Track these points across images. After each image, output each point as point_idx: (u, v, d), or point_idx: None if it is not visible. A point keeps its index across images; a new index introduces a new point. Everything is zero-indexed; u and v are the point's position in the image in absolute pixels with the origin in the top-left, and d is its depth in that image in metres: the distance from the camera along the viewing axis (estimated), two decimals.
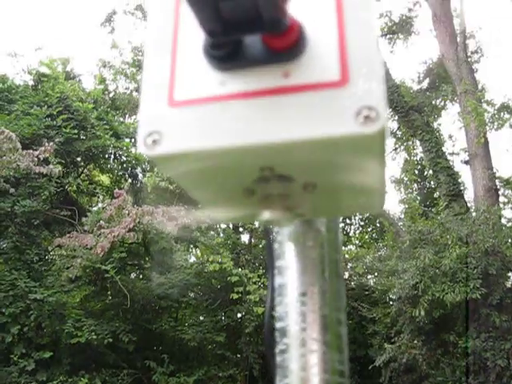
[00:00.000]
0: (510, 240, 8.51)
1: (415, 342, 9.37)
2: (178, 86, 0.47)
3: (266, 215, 0.44)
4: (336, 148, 0.43)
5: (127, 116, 16.59)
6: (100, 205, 13.82)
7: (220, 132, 0.44)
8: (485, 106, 11.49)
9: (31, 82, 13.46)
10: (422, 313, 8.48)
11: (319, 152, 0.43)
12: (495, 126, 11.73)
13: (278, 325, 0.49)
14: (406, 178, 17.33)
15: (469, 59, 13.24)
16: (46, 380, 9.41)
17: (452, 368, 8.70)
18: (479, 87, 13.37)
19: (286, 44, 0.43)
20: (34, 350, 9.69)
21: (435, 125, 15.99)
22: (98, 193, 14.22)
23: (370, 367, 9.69)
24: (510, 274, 9.21)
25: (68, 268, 10.48)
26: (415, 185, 17.68)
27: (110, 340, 10.21)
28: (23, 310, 9.63)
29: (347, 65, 0.43)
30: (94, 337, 9.93)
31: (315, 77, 0.43)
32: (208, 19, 0.44)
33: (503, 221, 9.58)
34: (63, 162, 11.49)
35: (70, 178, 12.00)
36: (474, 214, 9.98)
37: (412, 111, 12.84)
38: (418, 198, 17.22)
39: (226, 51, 0.44)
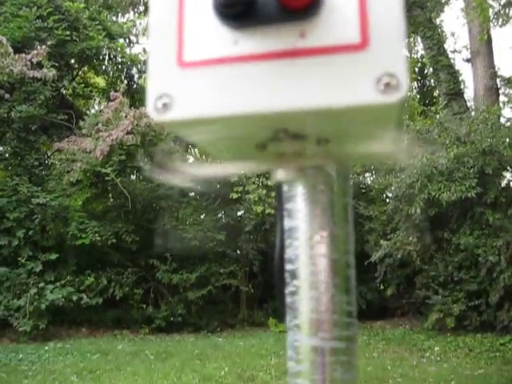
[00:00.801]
0: (507, 140, 8.49)
1: (410, 238, 9.63)
2: (188, 45, 0.45)
3: (279, 175, 0.43)
4: (353, 116, 0.41)
5: (120, 15, 15.91)
6: (97, 107, 13.66)
7: (234, 96, 0.42)
8: (490, 1, 11.02)
9: None
10: (418, 211, 8.65)
11: (335, 118, 0.41)
12: (499, 23, 11.34)
13: (287, 267, 0.50)
14: None
15: None
16: (53, 280, 9.79)
17: (445, 263, 9.03)
18: None
19: (302, 2, 0.40)
20: (41, 252, 10.00)
21: (437, 21, 15.39)
22: (94, 96, 14.01)
23: (366, 263, 10.03)
24: (505, 173, 9.30)
25: (68, 172, 10.56)
26: (415, 83, 17.39)
27: (114, 240, 10.51)
28: (27, 214, 9.83)
29: (368, 27, 0.40)
30: (98, 238, 10.21)
31: (333, 38, 0.40)
32: None
33: (502, 120, 9.52)
34: (57, 65, 11.19)
35: (64, 82, 11.76)
36: (473, 113, 9.89)
37: (414, 7, 12.32)
38: (418, 96, 17.00)
39: (237, 10, 0.40)
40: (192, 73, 0.44)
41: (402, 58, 0.40)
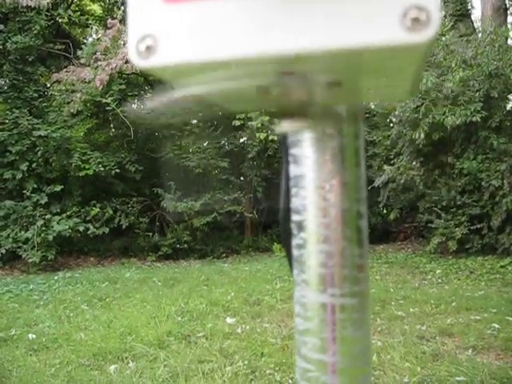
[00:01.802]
0: None
1: (414, 163, 9.61)
2: None
3: (284, 125, 0.38)
4: (373, 57, 0.34)
5: None
6: (94, 36, 13.28)
7: (229, 37, 0.35)
8: None
9: None
10: (422, 135, 8.56)
11: (351, 60, 0.34)
12: None
13: (294, 217, 0.46)
14: None
15: None
16: (59, 211, 9.89)
17: (448, 188, 9.04)
18: None
19: None
20: (45, 185, 10.04)
21: None
22: (90, 24, 13.58)
23: (370, 187, 10.07)
24: (511, 96, 9.11)
25: (68, 103, 10.43)
26: None
27: (117, 170, 10.53)
28: (29, 147, 9.78)
29: None
30: (102, 168, 10.22)
31: None
32: None
33: (510, 42, 9.23)
34: None
35: (60, 10, 11.38)
36: (480, 35, 9.57)
37: None
38: None
39: None
40: (180, 9, 0.37)
41: None
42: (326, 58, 0.33)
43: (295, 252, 0.46)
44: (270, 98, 0.37)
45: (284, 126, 0.37)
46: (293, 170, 0.46)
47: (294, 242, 0.46)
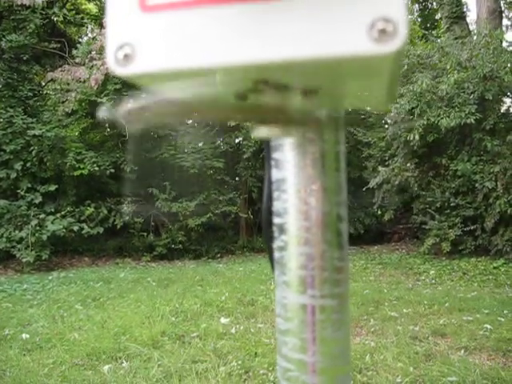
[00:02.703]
0: (509, 65, 8.29)
1: (408, 164, 9.65)
2: None
3: (262, 131, 0.39)
4: (342, 66, 0.35)
5: None
6: (90, 35, 13.26)
7: (204, 45, 0.36)
8: None
9: None
10: (417, 137, 8.59)
11: (322, 69, 0.35)
12: None
13: (275, 220, 0.47)
14: None
15: None
16: (54, 211, 9.87)
17: (442, 189, 9.08)
18: None
19: None
20: (40, 184, 10.02)
21: None
22: (86, 22, 13.55)
23: (364, 188, 10.10)
24: (505, 99, 9.16)
25: (63, 102, 10.41)
26: (416, 5, 16.77)
27: (112, 170, 10.52)
28: (24, 146, 9.76)
29: None
30: (96, 168, 10.21)
31: None
32: None
33: (504, 44, 9.27)
34: None
35: (55, 9, 11.34)
36: (475, 37, 9.61)
37: None
38: (419, 19, 16.46)
39: None
40: (156, 18, 0.38)
41: None
42: (298, 67, 0.34)
43: (277, 254, 0.47)
44: (247, 105, 0.38)
45: (260, 132, 0.38)
46: (275, 173, 0.47)
47: (276, 244, 0.47)
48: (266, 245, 0.51)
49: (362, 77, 0.38)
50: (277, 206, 0.47)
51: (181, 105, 0.36)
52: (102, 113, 0.40)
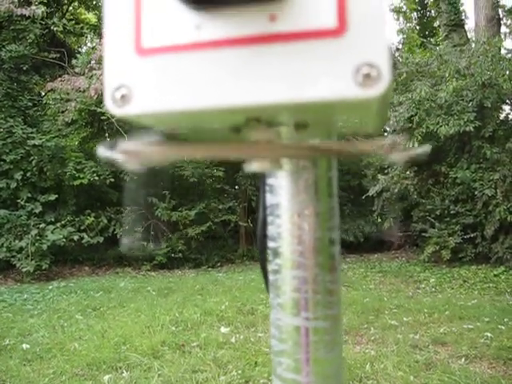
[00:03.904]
0: (507, 72, 8.33)
1: (407, 172, 9.67)
2: (147, 30, 0.40)
3: (254, 165, 0.41)
4: (330, 108, 0.37)
5: None
6: (89, 45, 13.32)
7: (197, 88, 0.38)
8: None
9: None
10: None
11: (310, 110, 0.37)
12: None
13: (270, 244, 0.49)
14: (405, 7, 16.44)
15: None
16: (54, 220, 9.87)
17: (441, 197, 9.09)
18: None
19: None
20: (39, 194, 10.03)
21: None
22: (85, 32, 13.63)
23: (364, 196, 10.12)
24: (504, 106, 9.20)
25: (63, 112, 10.44)
26: (415, 14, 16.86)
27: (112, 180, 10.52)
28: (23, 156, 9.78)
29: (346, 10, 0.35)
30: (96, 178, 10.22)
31: (307, 23, 0.36)
32: None
33: (503, 52, 9.32)
34: (45, 1, 10.82)
35: (54, 19, 11.41)
36: (473, 45, 9.66)
37: None
38: (417, 27, 16.54)
39: None
40: (151, 61, 0.40)
41: (384, 45, 0.35)
42: (288, 108, 0.36)
43: (271, 277, 0.49)
44: (242, 136, 0.40)
45: (252, 167, 0.40)
46: (269, 198, 0.49)
47: (270, 267, 0.49)
48: (261, 268, 0.52)
49: (350, 113, 0.40)
50: (271, 230, 0.49)
51: (177, 148, 0.37)
52: (101, 152, 0.41)
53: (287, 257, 0.47)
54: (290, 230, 0.47)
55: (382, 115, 0.42)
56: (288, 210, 0.47)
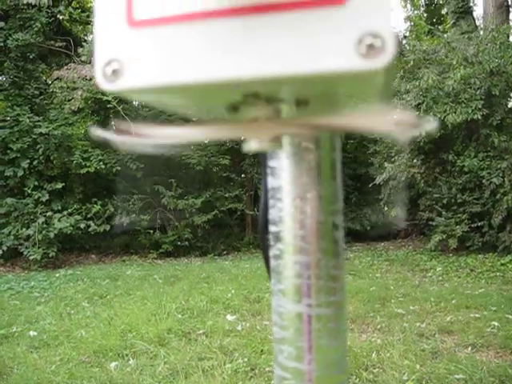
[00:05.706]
0: None
1: (415, 161, 9.61)
2: (139, 1, 0.37)
3: (252, 144, 0.39)
4: (331, 81, 0.35)
5: None
6: None
7: (191, 60, 0.36)
8: None
9: None
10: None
11: (310, 83, 0.35)
12: None
13: (271, 228, 0.47)
14: None
15: None
16: (61, 209, 9.91)
17: (449, 185, 9.03)
18: None
19: None
20: (46, 182, 10.06)
21: None
22: (91, 20, 13.53)
23: (370, 185, 10.08)
24: None
25: (69, 100, 10.43)
26: (422, 0, 16.67)
27: (118, 168, 10.53)
28: (30, 144, 9.79)
29: None
30: (103, 166, 10.24)
31: None
32: None
33: (511, 39, 9.21)
34: None
35: (60, 7, 11.38)
36: (481, 32, 9.54)
37: None
38: (425, 15, 16.36)
39: None
40: (144, 34, 0.38)
41: (387, 13, 0.33)
42: (287, 82, 0.34)
43: (272, 262, 0.47)
44: (240, 115, 0.38)
45: (251, 146, 0.38)
46: (270, 182, 0.47)
47: (271, 252, 0.47)
48: (262, 253, 0.51)
49: (352, 86, 0.38)
50: (272, 214, 0.47)
51: (170, 129, 0.36)
52: (96, 133, 0.40)
53: (289, 241, 0.45)
54: (291, 213, 0.45)
55: (386, 89, 0.40)
56: (290, 193, 0.45)
